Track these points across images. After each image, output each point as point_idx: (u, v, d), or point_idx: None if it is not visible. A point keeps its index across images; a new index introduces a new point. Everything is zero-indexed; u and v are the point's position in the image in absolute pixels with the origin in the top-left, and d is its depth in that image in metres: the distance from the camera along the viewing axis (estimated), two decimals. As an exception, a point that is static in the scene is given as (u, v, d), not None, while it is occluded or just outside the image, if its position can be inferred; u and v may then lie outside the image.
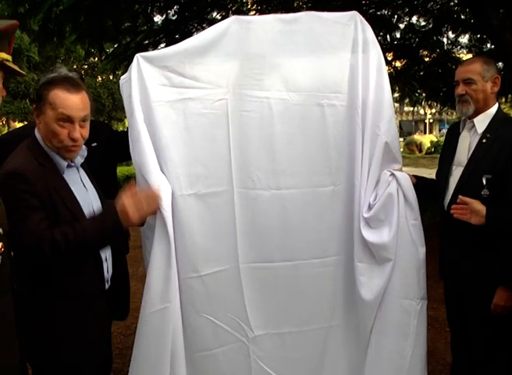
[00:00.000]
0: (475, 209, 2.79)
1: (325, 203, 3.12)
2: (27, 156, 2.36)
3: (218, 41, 2.96)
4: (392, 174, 3.03)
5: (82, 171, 2.64)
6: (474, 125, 3.03)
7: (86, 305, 2.49)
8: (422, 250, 3.04)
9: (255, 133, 3.03)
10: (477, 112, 3.01)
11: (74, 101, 2.44)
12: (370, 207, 3.03)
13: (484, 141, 2.95)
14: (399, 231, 2.98)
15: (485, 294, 2.88)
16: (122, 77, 3.05)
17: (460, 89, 3.02)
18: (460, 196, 2.86)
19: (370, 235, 3.01)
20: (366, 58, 3.06)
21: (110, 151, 3.51)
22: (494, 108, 3.02)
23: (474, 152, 2.99)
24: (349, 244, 3.12)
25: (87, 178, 2.63)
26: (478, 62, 3.03)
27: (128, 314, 3.31)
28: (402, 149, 29.17)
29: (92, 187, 2.65)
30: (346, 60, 3.08)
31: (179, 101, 2.96)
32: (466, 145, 3.06)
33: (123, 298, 3.13)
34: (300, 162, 3.08)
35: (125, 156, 3.40)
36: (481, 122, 3.00)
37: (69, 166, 2.51)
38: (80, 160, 2.57)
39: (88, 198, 2.55)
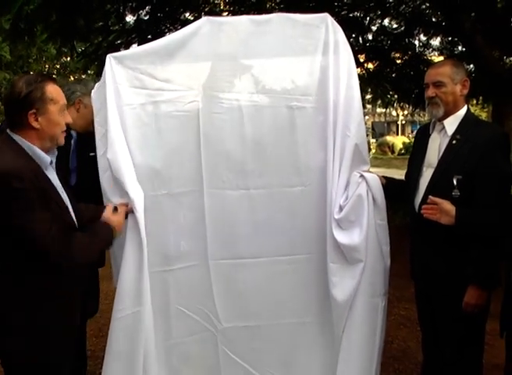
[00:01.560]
0: (445, 209, 2.82)
1: (293, 203, 3.19)
2: (13, 155, 2.34)
3: (190, 41, 2.99)
4: (362, 176, 3.05)
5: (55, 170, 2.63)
6: (444, 127, 3.05)
7: (66, 304, 2.50)
8: (386, 249, 3.10)
9: (225, 135, 3.11)
10: (446, 114, 3.03)
11: (62, 92, 2.53)
12: (341, 208, 3.05)
13: (454, 142, 2.98)
14: (368, 232, 3.01)
15: (456, 293, 2.90)
16: (95, 86, 3.08)
17: (431, 91, 3.04)
18: (430, 196, 2.88)
19: (341, 237, 3.04)
20: (337, 59, 3.08)
21: None
22: (463, 110, 3.04)
23: (445, 154, 3.01)
24: (320, 243, 3.16)
25: (58, 177, 2.62)
26: (448, 65, 3.07)
27: (97, 311, 3.32)
28: (374, 150, 29.31)
29: (61, 186, 2.64)
30: (316, 62, 3.11)
31: (150, 104, 3.02)
32: (436, 147, 3.08)
33: (93, 296, 3.16)
34: (268, 163, 3.15)
35: None
36: (451, 124, 3.03)
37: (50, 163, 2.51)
38: (53, 158, 2.54)
39: (64, 195, 2.54)
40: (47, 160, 2.44)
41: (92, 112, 3.19)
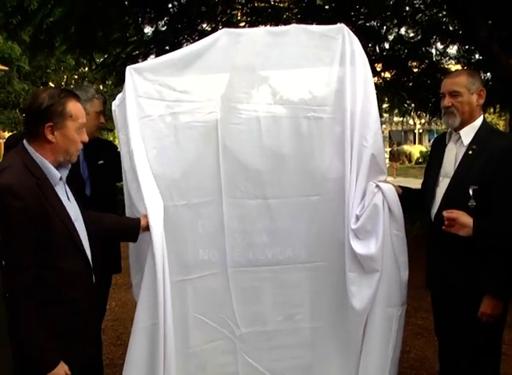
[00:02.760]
0: (463, 222, 2.82)
1: (310, 212, 3.22)
2: (21, 169, 2.35)
3: (207, 52, 3.02)
4: (378, 186, 3.06)
5: (65, 185, 2.62)
6: (460, 137, 3.05)
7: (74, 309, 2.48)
8: (404, 259, 3.10)
9: (243, 145, 3.14)
10: (462, 124, 3.04)
11: (84, 110, 2.56)
12: (357, 218, 3.06)
13: (470, 152, 2.98)
14: (384, 242, 3.02)
15: (473, 303, 2.89)
16: (115, 102, 3.10)
17: (447, 101, 3.05)
18: (444, 213, 2.87)
19: (358, 246, 3.04)
20: (353, 70, 3.09)
21: (114, 170, 3.51)
22: (479, 120, 3.04)
23: (461, 164, 3.01)
24: (336, 251, 3.17)
25: (70, 192, 2.63)
26: (464, 74, 3.07)
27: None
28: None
29: (74, 200, 2.64)
30: (333, 73, 3.13)
31: (169, 115, 3.06)
32: (452, 157, 3.09)
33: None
34: (286, 172, 3.19)
35: None
36: (467, 134, 3.03)
37: (60, 179, 2.51)
38: (65, 172, 2.56)
39: (74, 211, 2.55)
40: (57, 176, 2.45)
41: (94, 118, 3.31)
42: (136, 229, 2.86)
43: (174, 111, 3.05)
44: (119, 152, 3.20)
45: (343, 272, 3.12)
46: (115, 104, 3.08)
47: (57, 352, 2.34)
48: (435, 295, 3.26)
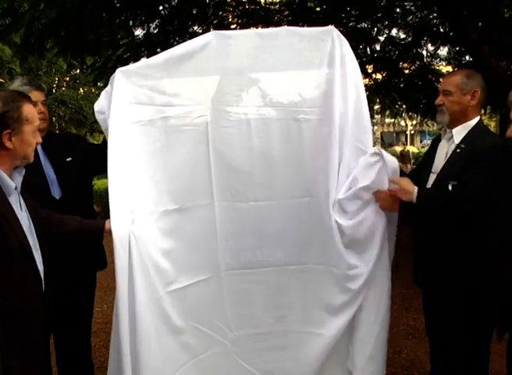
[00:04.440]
0: (405, 188, 2.93)
1: (301, 213, 3.23)
2: None
3: (197, 55, 3.00)
4: (378, 153, 3.08)
5: (19, 194, 2.56)
6: (452, 136, 3.09)
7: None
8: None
9: (234, 148, 3.14)
10: (454, 123, 3.07)
11: (36, 112, 2.54)
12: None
13: (458, 150, 3.02)
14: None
15: (459, 301, 2.93)
16: (103, 92, 3.05)
17: (439, 99, 3.11)
18: (389, 179, 3.01)
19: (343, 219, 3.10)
20: (343, 72, 3.11)
21: (86, 166, 3.43)
22: (474, 121, 3.07)
23: (448, 161, 3.06)
24: (326, 253, 3.18)
25: (22, 200, 2.55)
26: (460, 74, 3.10)
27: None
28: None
29: (26, 210, 2.56)
30: (322, 75, 3.14)
31: (160, 120, 3.03)
32: (443, 154, 3.13)
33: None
34: (276, 175, 3.20)
35: (103, 169, 3.39)
36: (459, 133, 3.07)
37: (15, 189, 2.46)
38: (19, 179, 2.51)
39: (25, 222, 2.48)
40: (11, 186, 2.40)
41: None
42: (99, 232, 2.83)
43: (164, 115, 3.03)
44: (91, 145, 3.12)
45: (332, 272, 3.16)
46: (98, 105, 3.01)
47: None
48: (425, 295, 3.28)
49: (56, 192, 3.27)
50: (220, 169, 3.14)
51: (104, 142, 3.05)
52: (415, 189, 2.91)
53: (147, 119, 2.99)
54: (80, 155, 3.40)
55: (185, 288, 3.09)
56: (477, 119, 3.09)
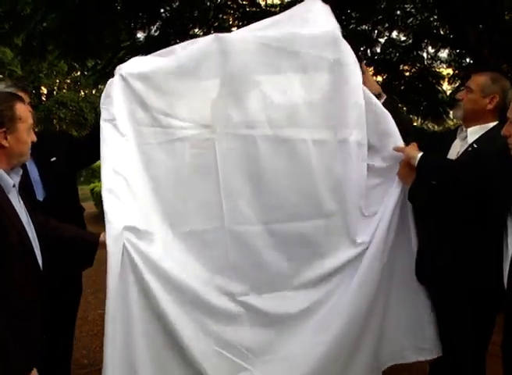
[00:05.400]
0: (409, 154, 3.03)
1: (315, 236, 3.20)
2: None
3: (201, 67, 3.05)
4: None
5: (18, 192, 2.61)
6: (467, 135, 3.11)
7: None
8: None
9: (243, 170, 3.12)
10: (468, 121, 3.10)
11: (29, 111, 2.58)
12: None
13: (469, 149, 3.04)
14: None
15: (463, 297, 2.96)
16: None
17: (460, 94, 3.20)
18: (394, 147, 3.11)
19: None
20: (346, 75, 3.14)
21: (72, 162, 3.41)
22: (491, 124, 3.07)
23: (457, 159, 3.08)
24: (344, 272, 3.20)
25: (20, 198, 2.60)
26: (485, 76, 3.13)
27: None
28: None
29: (24, 207, 2.61)
30: (326, 79, 3.17)
31: (168, 143, 3.05)
32: (455, 152, 3.15)
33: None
34: (287, 196, 3.16)
35: (89, 161, 3.37)
36: (474, 133, 3.08)
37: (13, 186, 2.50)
38: (17, 179, 2.55)
39: (24, 220, 2.53)
40: (10, 183, 2.45)
41: None
42: (93, 243, 2.84)
43: (172, 138, 3.05)
44: (75, 140, 3.09)
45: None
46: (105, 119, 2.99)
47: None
48: (431, 291, 3.27)
49: (40, 194, 3.26)
50: (229, 191, 3.11)
51: (89, 135, 3.06)
52: (419, 154, 2.97)
53: (156, 142, 3.03)
54: (65, 153, 3.38)
55: (198, 310, 3.02)
56: (494, 123, 3.07)
